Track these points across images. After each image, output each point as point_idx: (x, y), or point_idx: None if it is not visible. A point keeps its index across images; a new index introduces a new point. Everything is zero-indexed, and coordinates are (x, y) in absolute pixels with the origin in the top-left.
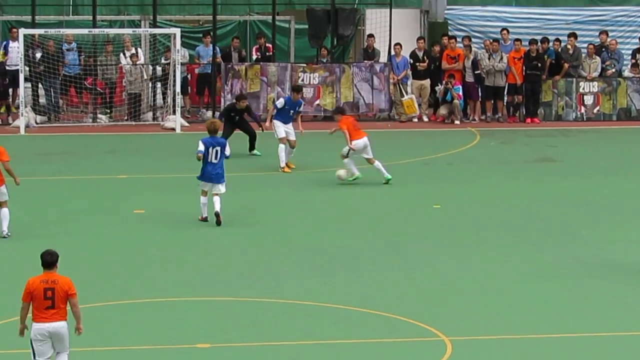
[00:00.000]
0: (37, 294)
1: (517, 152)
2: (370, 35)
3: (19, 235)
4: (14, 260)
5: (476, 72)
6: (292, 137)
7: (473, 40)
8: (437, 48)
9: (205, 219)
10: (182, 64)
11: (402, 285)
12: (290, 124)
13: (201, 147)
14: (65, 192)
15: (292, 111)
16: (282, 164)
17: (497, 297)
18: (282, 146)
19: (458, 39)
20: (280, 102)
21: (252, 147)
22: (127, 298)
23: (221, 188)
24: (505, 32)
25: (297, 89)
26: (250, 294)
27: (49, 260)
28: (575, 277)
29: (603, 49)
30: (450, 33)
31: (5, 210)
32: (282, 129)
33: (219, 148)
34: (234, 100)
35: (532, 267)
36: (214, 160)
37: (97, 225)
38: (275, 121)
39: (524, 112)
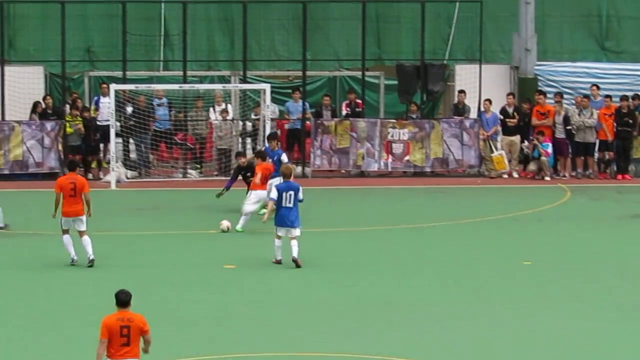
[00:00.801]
0: (114, 331)
1: (608, 208)
2: (461, 91)
3: (111, 290)
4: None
5: (567, 127)
6: None
7: (563, 96)
8: (527, 105)
9: (279, 262)
10: (271, 119)
11: (491, 341)
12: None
13: (274, 194)
14: (155, 247)
15: (271, 160)
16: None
17: (591, 355)
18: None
19: (549, 95)
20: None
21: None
22: (214, 353)
23: (296, 232)
24: (595, 88)
25: (270, 136)
26: (342, 349)
27: (124, 299)
28: None
29: None
30: (540, 89)
31: (85, 237)
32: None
33: (292, 192)
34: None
35: (627, 326)
36: (288, 205)
37: (187, 279)
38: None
39: (615, 169)
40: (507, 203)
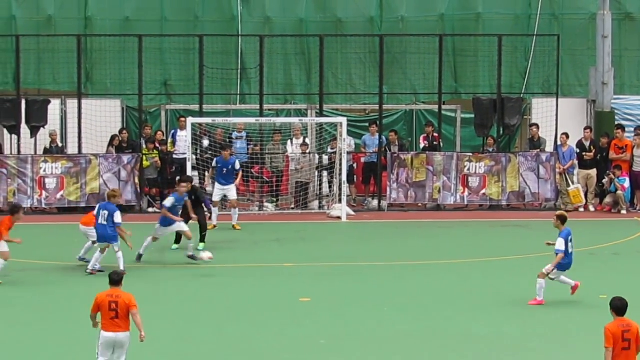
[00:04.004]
0: (104, 306)
1: None
2: (535, 125)
3: (189, 323)
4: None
5: None
6: (233, 197)
7: None
8: (604, 139)
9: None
10: (348, 152)
11: None
12: (231, 185)
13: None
14: (232, 280)
15: (224, 169)
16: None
17: None
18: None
19: (628, 129)
20: (168, 201)
21: (201, 239)
22: None
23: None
24: None
25: (224, 147)
26: None
27: (115, 279)
28: None
29: None
30: (616, 122)
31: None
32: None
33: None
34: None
35: None
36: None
37: (263, 313)
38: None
39: None
40: (584, 237)
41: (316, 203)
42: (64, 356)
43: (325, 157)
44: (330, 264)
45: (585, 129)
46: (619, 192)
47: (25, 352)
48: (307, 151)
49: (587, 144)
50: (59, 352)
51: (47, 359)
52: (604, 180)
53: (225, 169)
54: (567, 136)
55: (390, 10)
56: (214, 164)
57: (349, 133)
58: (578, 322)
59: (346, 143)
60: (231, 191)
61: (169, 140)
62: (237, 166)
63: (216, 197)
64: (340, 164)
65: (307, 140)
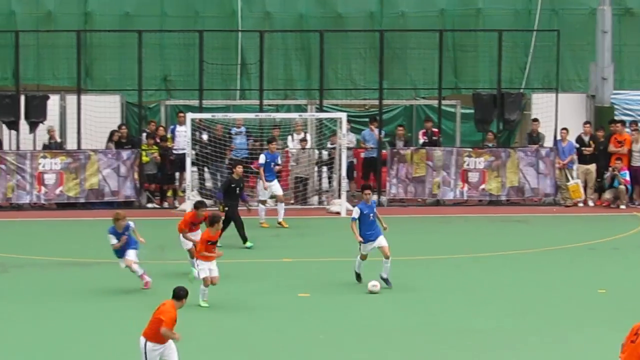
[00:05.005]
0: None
1: None
2: (535, 120)
3: (187, 318)
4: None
5: None
6: (279, 192)
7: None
8: (600, 133)
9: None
10: (348, 148)
11: None
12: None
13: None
14: (232, 274)
15: (272, 164)
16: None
17: None
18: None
19: (626, 124)
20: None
21: (244, 239)
22: None
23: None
24: None
25: (270, 140)
26: None
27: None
28: None
29: None
30: (616, 117)
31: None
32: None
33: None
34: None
35: None
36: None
37: (261, 308)
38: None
39: None
40: (583, 231)
41: (315, 198)
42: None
43: (324, 153)
44: (329, 259)
45: (584, 124)
46: (622, 186)
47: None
48: (307, 146)
49: (586, 139)
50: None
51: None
52: (605, 175)
53: (273, 164)
54: (567, 131)
55: (391, 5)
56: (262, 160)
57: (350, 129)
58: (577, 316)
59: (347, 139)
60: (276, 186)
61: (169, 135)
62: (279, 161)
63: (266, 195)
64: (340, 159)
65: (307, 136)
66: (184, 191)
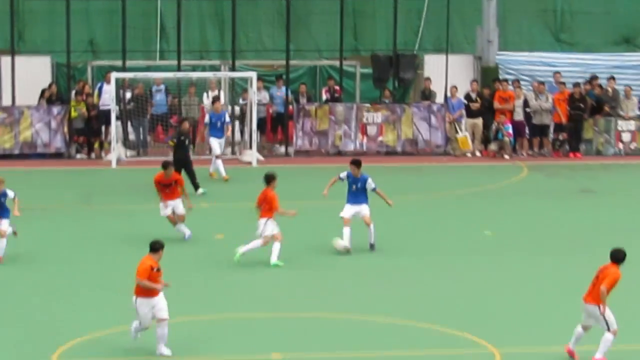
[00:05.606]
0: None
1: (562, 184)
2: (427, 79)
3: (108, 251)
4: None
5: (526, 110)
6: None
7: (521, 82)
8: (487, 90)
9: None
10: (263, 104)
11: (451, 299)
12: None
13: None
14: (152, 219)
15: (219, 122)
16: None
17: (543, 310)
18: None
19: (509, 82)
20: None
21: (196, 187)
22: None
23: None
24: (558, 75)
25: (214, 100)
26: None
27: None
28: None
29: None
30: (500, 76)
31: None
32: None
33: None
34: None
35: (574, 284)
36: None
37: (180, 249)
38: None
39: (568, 148)
40: (471, 179)
41: (229, 150)
42: None
43: (236, 108)
44: (242, 204)
45: (472, 82)
46: (506, 138)
47: None
48: (221, 103)
49: (473, 95)
50: None
51: None
52: (491, 129)
53: (219, 122)
54: (456, 89)
55: None
56: (207, 119)
57: (261, 87)
58: (463, 253)
59: (261, 96)
60: (222, 144)
61: (95, 93)
62: (227, 119)
63: (219, 150)
64: (251, 114)
65: (221, 93)
66: (109, 143)
